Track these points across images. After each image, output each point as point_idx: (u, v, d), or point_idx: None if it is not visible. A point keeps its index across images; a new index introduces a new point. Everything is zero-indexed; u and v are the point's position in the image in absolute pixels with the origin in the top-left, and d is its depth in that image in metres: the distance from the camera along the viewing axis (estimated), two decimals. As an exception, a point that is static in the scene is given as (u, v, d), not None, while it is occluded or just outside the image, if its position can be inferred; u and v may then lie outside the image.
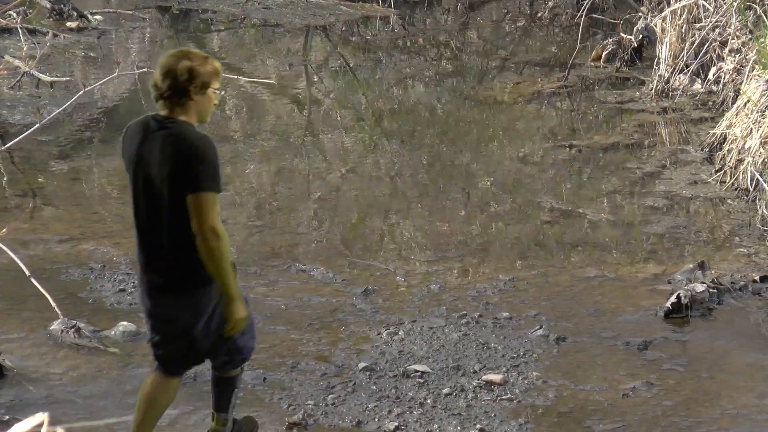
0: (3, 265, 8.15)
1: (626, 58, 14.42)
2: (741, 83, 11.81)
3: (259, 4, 18.27)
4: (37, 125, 9.02)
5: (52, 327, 7.50)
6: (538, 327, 7.70)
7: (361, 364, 7.17)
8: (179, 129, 4.73)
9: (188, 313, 5.03)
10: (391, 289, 8.32)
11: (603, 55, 14.63)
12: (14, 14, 14.89)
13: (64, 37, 15.73)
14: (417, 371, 7.10)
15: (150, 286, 5.05)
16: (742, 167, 10.29)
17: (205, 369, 7.06)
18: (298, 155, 11.46)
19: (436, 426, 6.52)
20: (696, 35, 13.17)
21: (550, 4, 17.64)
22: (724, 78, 12.65)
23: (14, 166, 10.99)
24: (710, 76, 13.05)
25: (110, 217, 9.65)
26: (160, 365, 5.29)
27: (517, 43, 16.96)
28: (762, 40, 11.55)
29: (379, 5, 18.00)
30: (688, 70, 13.16)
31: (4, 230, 7.55)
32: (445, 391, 6.88)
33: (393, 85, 14.62)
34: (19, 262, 7.74)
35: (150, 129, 4.76)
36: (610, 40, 14.78)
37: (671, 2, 13.53)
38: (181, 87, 4.71)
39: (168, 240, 4.87)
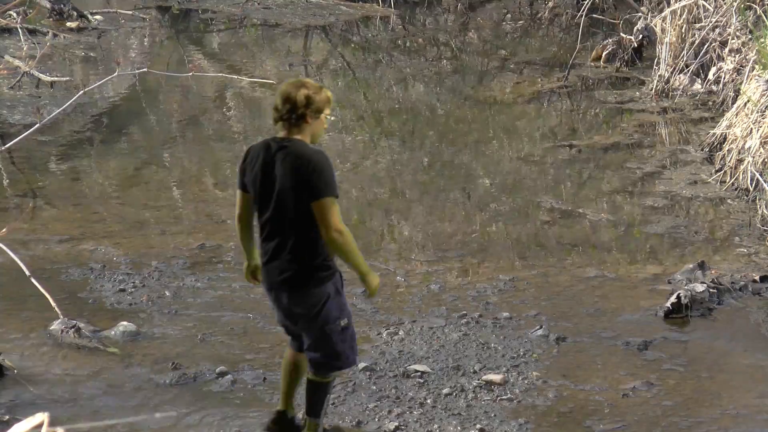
0: (3, 265, 8.16)
1: (626, 58, 14.42)
2: (741, 83, 11.81)
3: (259, 4, 18.27)
4: (37, 125, 9.02)
5: (52, 327, 7.50)
6: (538, 327, 7.70)
7: (361, 364, 7.17)
8: (296, 147, 5.37)
9: (300, 308, 5.60)
10: (391, 289, 8.32)
11: (603, 55, 14.63)
12: (14, 14, 14.89)
13: (64, 37, 15.73)
14: (417, 371, 7.10)
15: (270, 281, 5.59)
16: (742, 167, 10.29)
17: (205, 370, 7.07)
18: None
19: (436, 426, 6.52)
20: (696, 35, 13.17)
21: (550, 4, 17.64)
22: (724, 78, 12.64)
23: (14, 166, 10.99)
24: (710, 76, 13.04)
25: (110, 217, 9.65)
26: (291, 342, 5.94)
27: (517, 43, 16.96)
28: (762, 40, 11.55)
29: (379, 5, 18.00)
30: (688, 70, 13.15)
31: (4, 230, 7.56)
32: (445, 391, 6.88)
33: (393, 85, 14.61)
34: (19, 262, 7.74)
35: (271, 149, 5.42)
36: (610, 40, 14.77)
37: (671, 2, 13.53)
38: (299, 112, 5.33)
39: (291, 244, 5.44)
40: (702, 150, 11.35)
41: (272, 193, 5.41)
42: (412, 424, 6.52)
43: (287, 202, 5.38)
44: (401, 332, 7.60)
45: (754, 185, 10.06)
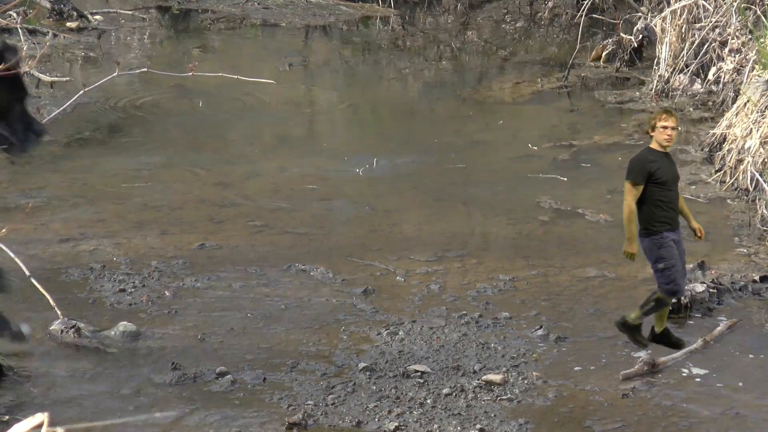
0: (3, 265, 8.14)
1: (626, 58, 14.41)
2: (741, 83, 11.81)
3: (259, 4, 18.27)
4: (38, 125, 9.00)
5: (52, 327, 7.51)
6: (538, 327, 7.70)
7: (361, 364, 7.17)
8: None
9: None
10: (391, 289, 8.32)
11: (603, 55, 14.62)
12: (14, 14, 14.89)
13: (64, 37, 15.72)
14: (417, 371, 7.10)
15: None
16: (742, 167, 10.28)
17: (205, 370, 7.08)
18: (298, 155, 11.45)
19: (436, 426, 6.52)
20: (696, 35, 13.16)
21: (550, 4, 17.63)
22: (724, 78, 12.64)
23: (14, 166, 10.98)
24: (710, 76, 13.04)
25: (110, 217, 9.65)
26: None
27: (517, 43, 16.96)
28: (762, 40, 11.55)
29: (379, 5, 18.00)
30: (688, 70, 13.15)
31: (4, 230, 7.55)
32: (445, 391, 6.88)
33: (392, 85, 14.61)
34: (19, 262, 7.74)
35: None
36: (610, 40, 14.76)
37: (671, 2, 13.52)
38: (648, 129, 7.36)
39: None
40: (702, 150, 11.34)
41: None
42: (412, 424, 6.53)
43: None
44: (401, 332, 7.60)
45: (754, 185, 10.06)
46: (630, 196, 7.12)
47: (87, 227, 9.44)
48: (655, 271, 7.20)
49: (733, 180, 10.34)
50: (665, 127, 7.20)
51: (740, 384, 7.04)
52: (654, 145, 7.26)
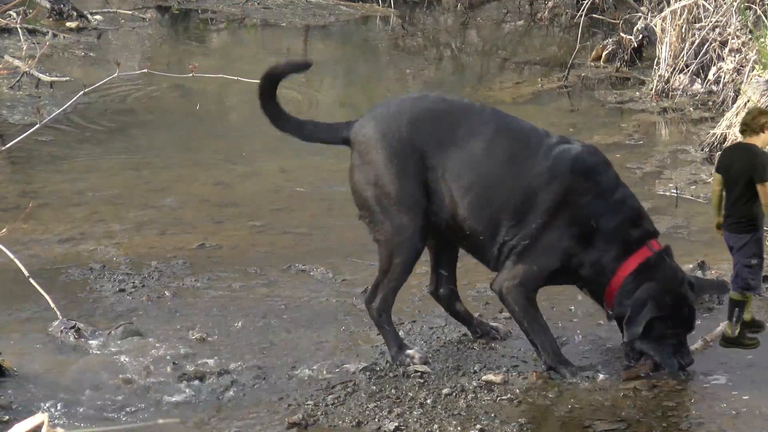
0: (3, 265, 8.15)
1: (626, 58, 14.42)
2: (741, 83, 11.82)
3: (259, 4, 18.28)
4: (37, 125, 9.01)
5: (51, 327, 7.51)
6: (538, 327, 7.69)
7: (361, 364, 7.18)
8: (746, 146, 7.30)
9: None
10: (391, 289, 8.30)
11: (603, 55, 14.63)
12: (14, 14, 14.89)
13: (64, 37, 15.73)
14: (417, 371, 7.10)
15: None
16: (742, 167, 10.27)
17: (205, 370, 7.07)
18: (298, 155, 11.45)
19: (436, 426, 6.52)
20: (696, 35, 13.17)
21: (550, 4, 17.64)
22: (724, 78, 12.65)
23: (14, 166, 10.99)
24: (710, 76, 13.05)
25: (110, 217, 9.65)
26: None
27: (517, 43, 16.96)
28: (762, 40, 11.56)
29: (379, 5, 18.01)
30: (688, 70, 13.16)
31: (4, 230, 7.56)
32: (445, 391, 6.88)
33: (393, 84, 14.61)
34: (18, 262, 7.74)
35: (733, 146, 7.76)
36: (610, 40, 14.77)
37: (671, 2, 13.53)
38: (752, 126, 7.26)
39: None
40: (702, 150, 11.35)
41: (728, 173, 7.49)
42: (412, 425, 6.53)
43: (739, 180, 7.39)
44: (401, 332, 7.59)
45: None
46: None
47: (87, 227, 9.44)
48: (743, 267, 7.17)
49: (733, 180, 10.32)
50: None
51: (741, 384, 7.03)
52: (759, 143, 7.26)
